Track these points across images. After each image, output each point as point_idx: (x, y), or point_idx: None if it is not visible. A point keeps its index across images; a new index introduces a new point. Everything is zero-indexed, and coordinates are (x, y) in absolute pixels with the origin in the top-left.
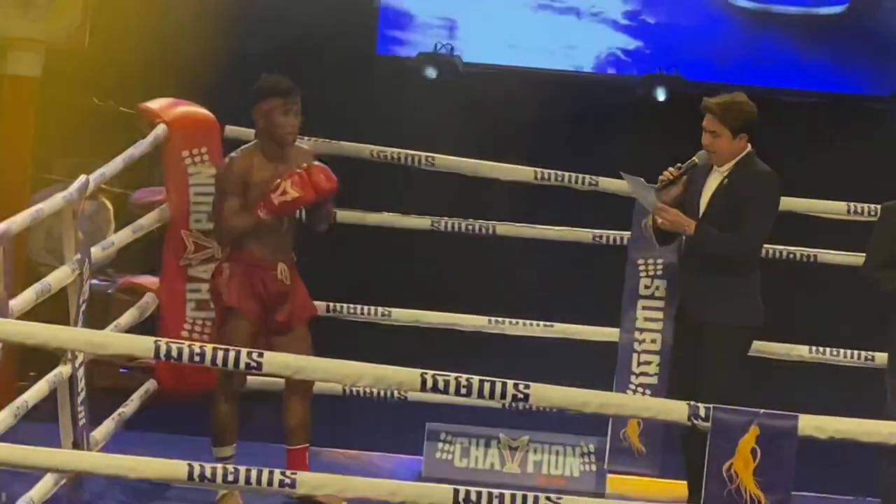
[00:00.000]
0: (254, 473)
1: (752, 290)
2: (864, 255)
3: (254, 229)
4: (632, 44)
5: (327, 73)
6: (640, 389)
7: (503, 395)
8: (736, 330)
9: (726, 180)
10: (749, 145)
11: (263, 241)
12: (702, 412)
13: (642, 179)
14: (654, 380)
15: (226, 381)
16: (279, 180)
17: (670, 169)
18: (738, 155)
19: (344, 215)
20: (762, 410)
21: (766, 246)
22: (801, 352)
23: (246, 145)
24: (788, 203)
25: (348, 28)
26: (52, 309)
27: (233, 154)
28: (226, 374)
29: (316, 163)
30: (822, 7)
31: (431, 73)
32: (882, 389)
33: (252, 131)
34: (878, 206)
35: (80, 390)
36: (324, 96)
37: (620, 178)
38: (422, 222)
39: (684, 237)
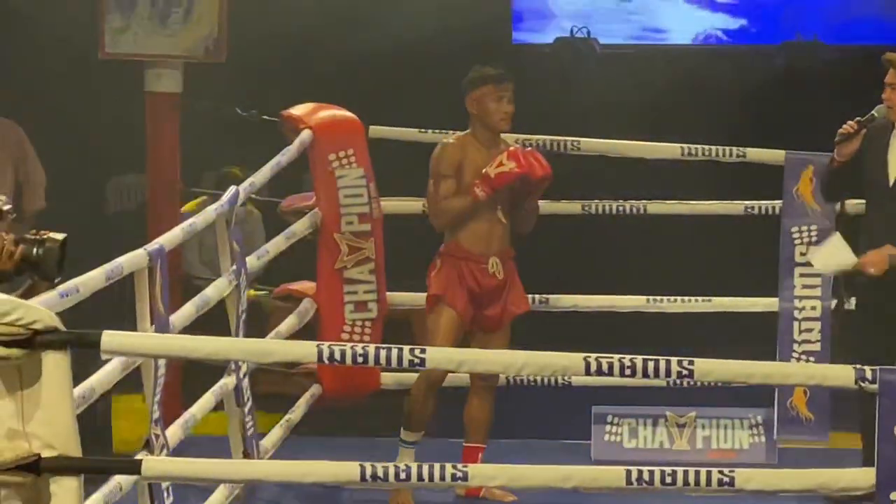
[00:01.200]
0: (426, 469)
1: None
2: None
3: (468, 212)
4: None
5: (463, 66)
6: (803, 357)
7: (668, 373)
8: None
9: None
10: None
11: (475, 233)
12: (868, 374)
13: (836, 235)
14: (816, 346)
15: (428, 373)
16: (495, 158)
17: (850, 122)
18: None
19: None
20: None
21: None
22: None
23: (459, 133)
24: None
25: (482, 19)
26: (212, 322)
27: (445, 140)
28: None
29: (531, 148)
30: None
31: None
32: None
33: (399, 129)
34: None
35: (246, 399)
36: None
37: (771, 146)
38: (572, 207)
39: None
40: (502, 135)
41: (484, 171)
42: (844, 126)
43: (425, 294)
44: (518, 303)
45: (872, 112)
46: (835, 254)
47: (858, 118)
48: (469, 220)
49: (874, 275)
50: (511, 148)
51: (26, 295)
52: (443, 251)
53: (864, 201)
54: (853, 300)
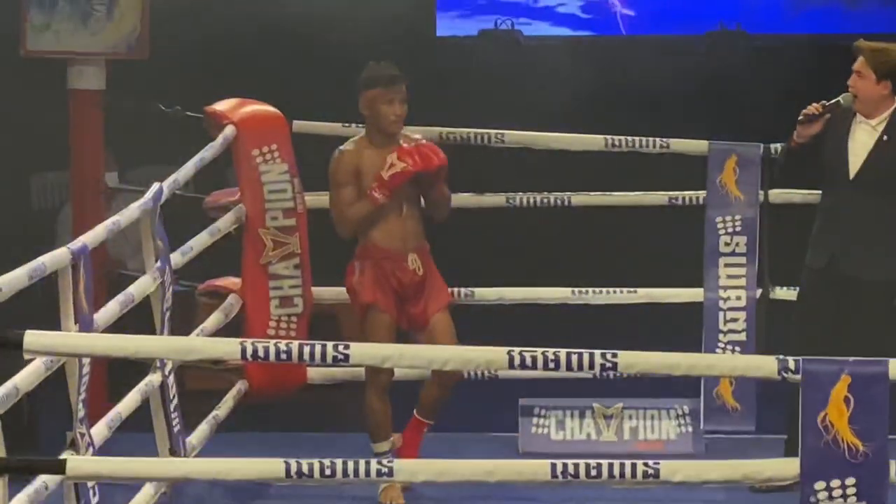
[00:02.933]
0: (350, 465)
1: None
2: None
3: (372, 216)
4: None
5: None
6: (729, 347)
7: (592, 366)
8: (892, 285)
9: (885, 136)
10: None
11: (388, 232)
12: (791, 365)
13: None
14: (742, 336)
15: (373, 375)
16: (387, 160)
17: (815, 104)
18: (890, 108)
19: None
20: (851, 359)
21: None
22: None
23: (356, 136)
24: None
25: (405, 12)
26: (139, 318)
27: (342, 147)
28: (373, 370)
29: (423, 140)
30: None
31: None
32: None
33: (323, 124)
34: None
35: (172, 397)
36: None
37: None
38: (497, 199)
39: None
40: (423, 127)
41: (378, 173)
42: (809, 107)
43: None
44: (439, 296)
45: (839, 98)
46: None
47: (824, 101)
48: (380, 220)
49: None
50: (401, 146)
51: None
52: (360, 253)
53: (793, 191)
54: (777, 289)
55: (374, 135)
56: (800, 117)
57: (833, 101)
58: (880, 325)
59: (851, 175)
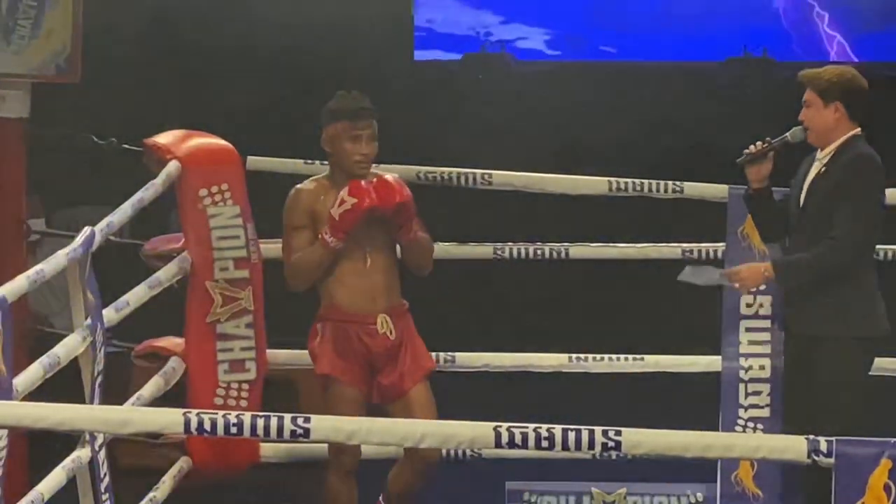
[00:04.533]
0: None
1: (866, 294)
2: None
3: (326, 262)
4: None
5: (358, 86)
6: (750, 425)
7: (592, 445)
8: (850, 343)
9: (824, 168)
10: (857, 129)
11: (352, 289)
12: (823, 447)
13: (687, 268)
14: (766, 412)
15: (336, 454)
16: (338, 196)
17: (757, 143)
18: (840, 137)
19: None
20: (893, 440)
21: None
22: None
23: (317, 175)
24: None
25: (380, 37)
26: (66, 384)
27: (299, 185)
28: (336, 448)
29: (386, 175)
30: None
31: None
32: None
33: (282, 160)
34: None
35: (102, 475)
36: None
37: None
38: (483, 250)
39: (786, 243)
40: (397, 166)
41: (329, 211)
42: (752, 145)
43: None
44: (418, 365)
45: (786, 135)
46: (701, 274)
47: (769, 138)
48: (342, 274)
49: (741, 290)
50: (353, 181)
51: None
52: (322, 315)
53: None
54: None
55: (337, 174)
56: (739, 158)
57: (779, 137)
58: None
59: (801, 203)
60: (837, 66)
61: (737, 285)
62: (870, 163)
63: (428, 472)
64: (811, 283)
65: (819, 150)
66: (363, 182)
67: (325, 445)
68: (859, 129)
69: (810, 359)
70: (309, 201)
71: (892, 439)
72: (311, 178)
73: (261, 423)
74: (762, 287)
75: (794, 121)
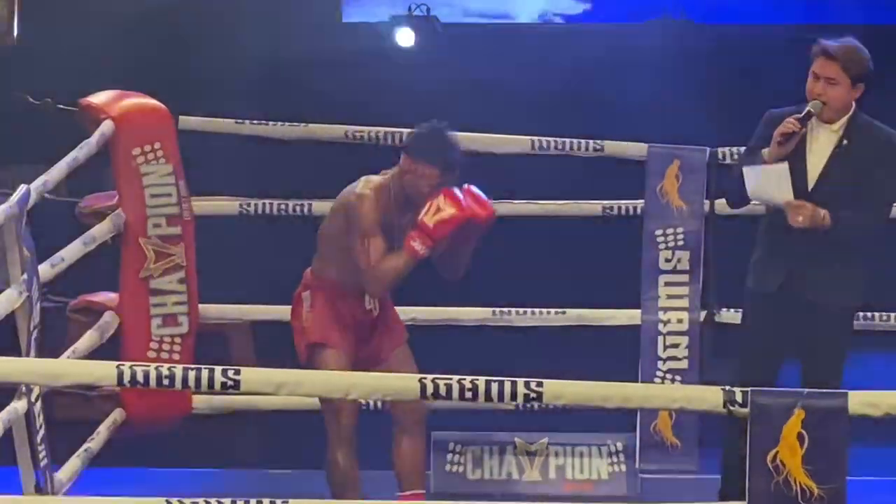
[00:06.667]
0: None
1: (863, 268)
2: None
3: (409, 269)
4: None
5: (288, 46)
6: (668, 376)
7: (514, 396)
8: (852, 311)
9: (845, 141)
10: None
11: (348, 268)
12: (738, 397)
13: (784, 165)
14: (683, 364)
15: (334, 421)
16: (430, 202)
17: (790, 120)
18: (849, 111)
19: (321, 207)
20: (806, 390)
21: None
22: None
23: (373, 178)
24: None
25: None
26: (2, 338)
27: (362, 190)
28: (335, 416)
29: (472, 187)
30: None
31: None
32: None
33: (214, 120)
34: None
35: (38, 427)
36: (288, 74)
37: (630, 140)
38: None
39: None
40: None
41: (420, 218)
42: (787, 124)
43: (249, 307)
44: (394, 334)
45: (809, 109)
46: (774, 182)
47: (797, 115)
48: (343, 257)
49: (797, 224)
50: (446, 190)
51: None
52: (313, 284)
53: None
54: (724, 312)
55: (399, 192)
56: (777, 138)
57: (804, 113)
58: (839, 354)
59: (810, 187)
60: (854, 42)
61: (799, 220)
62: None
63: (420, 429)
64: (828, 240)
65: (814, 121)
66: (456, 191)
67: (255, 398)
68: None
69: (804, 324)
70: (380, 209)
71: (806, 390)
72: (369, 183)
73: (192, 375)
74: (680, 242)
75: (717, 82)
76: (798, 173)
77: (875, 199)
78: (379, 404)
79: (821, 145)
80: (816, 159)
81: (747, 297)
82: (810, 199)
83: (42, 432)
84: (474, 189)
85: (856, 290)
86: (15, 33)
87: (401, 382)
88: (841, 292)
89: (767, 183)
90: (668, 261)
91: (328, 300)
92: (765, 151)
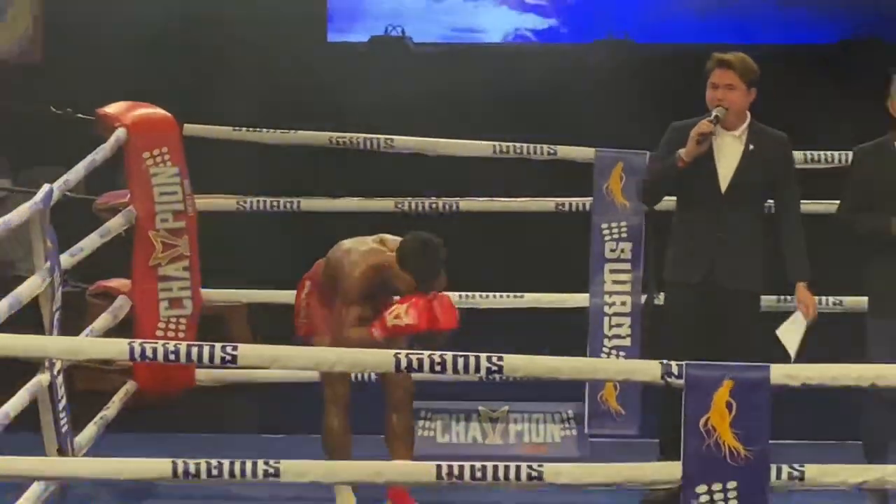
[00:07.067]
0: (237, 465)
1: (763, 259)
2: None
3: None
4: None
5: (281, 62)
6: (613, 352)
7: (478, 369)
8: (759, 295)
9: (751, 146)
10: None
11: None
12: (675, 370)
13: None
14: (626, 342)
15: (330, 388)
16: (398, 302)
17: (705, 122)
18: (747, 118)
19: (308, 204)
20: (734, 364)
21: None
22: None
23: (378, 251)
24: None
25: (297, 18)
26: (28, 319)
27: (363, 264)
28: (329, 385)
29: (444, 294)
30: None
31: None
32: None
33: (214, 128)
34: (835, 154)
35: (60, 397)
36: (280, 86)
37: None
38: (385, 204)
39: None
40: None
41: (383, 314)
42: (702, 125)
43: (245, 291)
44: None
45: (715, 113)
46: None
47: (708, 119)
48: None
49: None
50: (417, 293)
51: None
52: (315, 279)
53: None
54: (662, 295)
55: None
56: (696, 137)
57: (713, 116)
58: (753, 332)
59: (723, 189)
60: (742, 53)
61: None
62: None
63: (409, 406)
64: (746, 232)
65: (718, 129)
66: (425, 301)
67: (251, 372)
68: None
69: (723, 308)
70: (370, 283)
71: (734, 363)
72: (372, 249)
73: (195, 350)
74: (623, 234)
75: (655, 93)
76: (709, 177)
77: (790, 188)
78: (373, 376)
79: (728, 151)
80: (726, 163)
81: (670, 287)
82: (724, 200)
83: (63, 402)
84: (447, 299)
85: (761, 277)
86: (41, 52)
87: (379, 357)
88: (751, 280)
89: (794, 333)
90: (612, 251)
91: (320, 300)
92: (681, 151)
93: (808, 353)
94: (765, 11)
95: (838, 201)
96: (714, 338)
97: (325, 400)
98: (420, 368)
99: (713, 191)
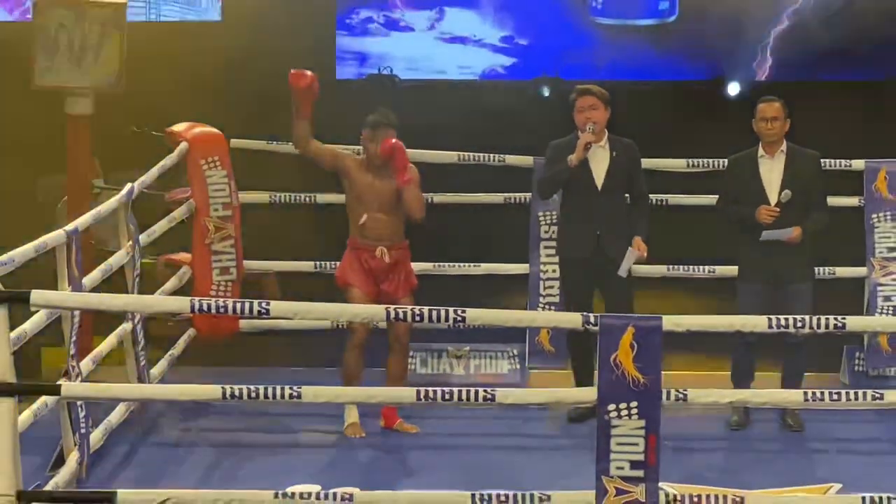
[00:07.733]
0: (270, 390)
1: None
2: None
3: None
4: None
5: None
6: (546, 307)
7: (447, 319)
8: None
9: (614, 153)
10: None
11: (365, 231)
12: (592, 320)
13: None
14: (556, 299)
15: (351, 332)
16: (382, 154)
17: (588, 133)
18: (607, 132)
19: (323, 198)
20: (636, 315)
21: None
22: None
23: (355, 152)
24: (647, 163)
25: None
26: (116, 283)
27: (350, 153)
28: (350, 327)
29: (394, 141)
30: (667, 18)
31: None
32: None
33: (252, 141)
34: (714, 161)
35: (139, 340)
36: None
37: (524, 154)
38: None
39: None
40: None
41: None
42: (587, 136)
43: (276, 262)
44: (408, 281)
45: (590, 129)
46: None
47: (589, 131)
48: (365, 223)
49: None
50: (385, 143)
51: None
52: (349, 243)
53: None
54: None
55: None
56: (584, 145)
57: (591, 130)
58: (629, 292)
59: (599, 187)
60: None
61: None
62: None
63: (405, 350)
64: (619, 213)
65: (582, 142)
66: (390, 142)
67: (280, 321)
68: None
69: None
70: (350, 159)
71: (635, 315)
72: (357, 154)
73: (239, 305)
74: (553, 221)
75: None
76: (587, 178)
77: (641, 181)
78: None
79: (599, 158)
80: (599, 167)
81: (564, 261)
82: (600, 195)
83: (142, 343)
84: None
85: (629, 246)
86: (124, 84)
87: (374, 311)
88: (624, 248)
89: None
90: (546, 233)
91: (352, 251)
92: (570, 157)
93: (693, 308)
94: (652, 55)
95: (716, 196)
96: (601, 292)
97: (347, 346)
98: (405, 318)
99: (591, 187)
